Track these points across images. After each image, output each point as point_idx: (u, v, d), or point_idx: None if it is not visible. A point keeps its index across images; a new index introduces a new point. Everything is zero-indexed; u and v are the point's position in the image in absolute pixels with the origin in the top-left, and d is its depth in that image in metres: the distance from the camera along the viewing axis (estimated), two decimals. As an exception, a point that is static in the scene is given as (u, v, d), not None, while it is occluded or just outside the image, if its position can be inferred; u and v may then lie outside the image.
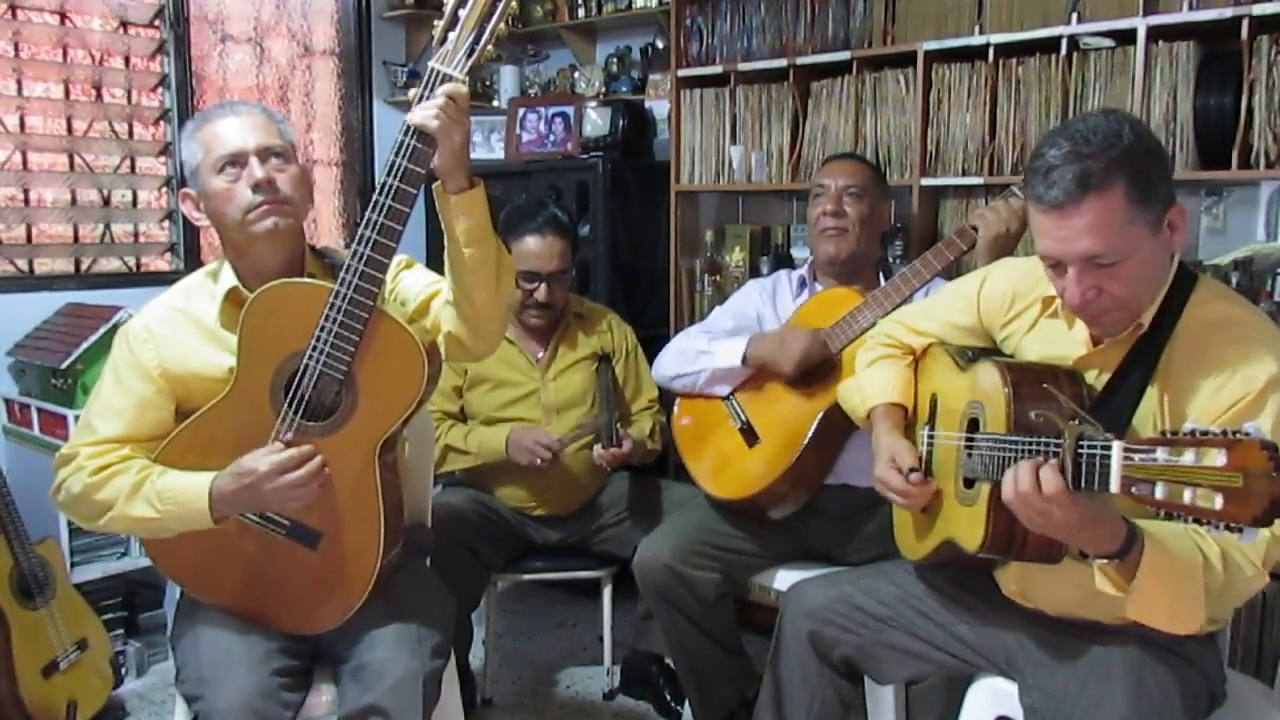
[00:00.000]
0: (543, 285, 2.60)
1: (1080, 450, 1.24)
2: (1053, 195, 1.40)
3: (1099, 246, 1.40)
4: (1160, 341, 1.47)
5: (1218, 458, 1.05)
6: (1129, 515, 1.34)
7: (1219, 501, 1.05)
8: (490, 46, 1.54)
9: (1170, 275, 1.50)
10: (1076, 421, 1.25)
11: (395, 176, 1.54)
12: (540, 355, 2.69)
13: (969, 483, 1.60)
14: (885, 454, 1.75)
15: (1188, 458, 1.08)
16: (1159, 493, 1.11)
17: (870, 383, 1.90)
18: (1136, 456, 1.14)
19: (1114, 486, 1.17)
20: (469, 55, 1.53)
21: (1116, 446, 1.17)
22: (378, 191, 1.55)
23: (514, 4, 1.52)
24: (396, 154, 1.54)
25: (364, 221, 1.56)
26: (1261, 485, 1.03)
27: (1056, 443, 1.28)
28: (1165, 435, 1.12)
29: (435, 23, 1.54)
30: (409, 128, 1.54)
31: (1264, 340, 1.43)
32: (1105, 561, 1.33)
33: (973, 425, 1.61)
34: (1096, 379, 1.53)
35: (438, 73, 1.54)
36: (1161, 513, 1.12)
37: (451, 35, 1.53)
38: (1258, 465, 1.03)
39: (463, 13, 1.52)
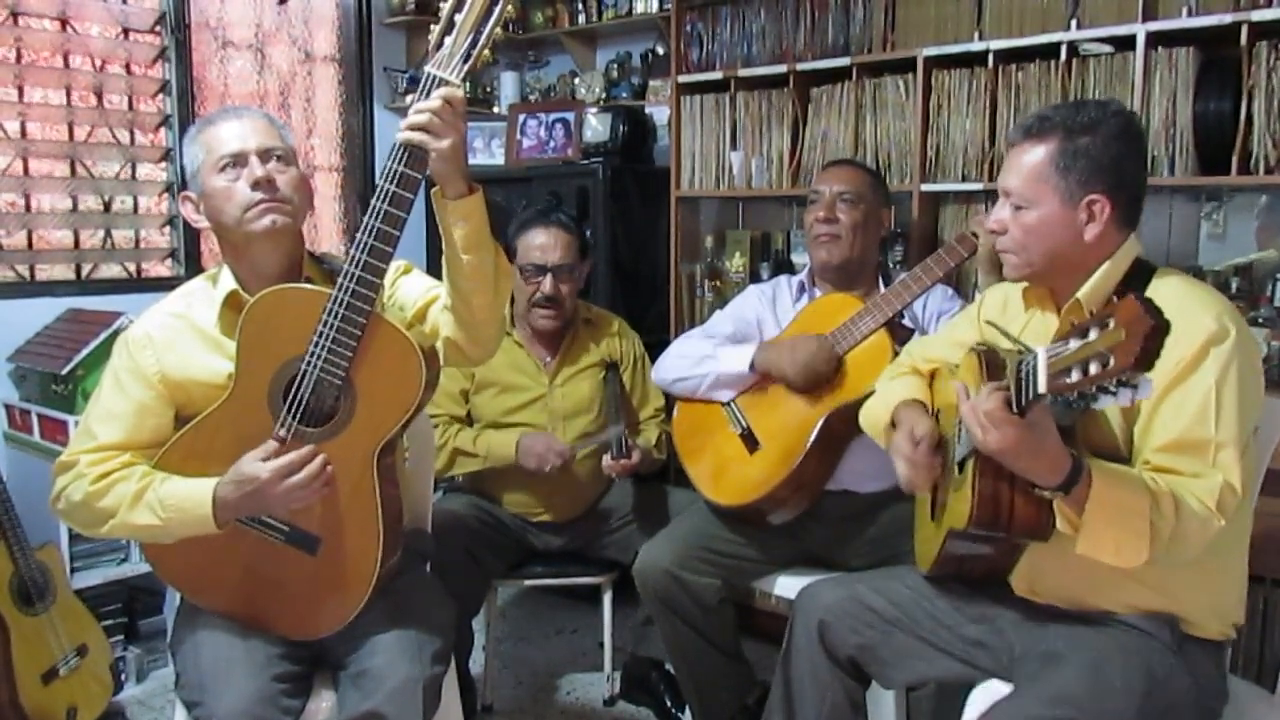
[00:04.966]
0: (548, 278, 2.59)
1: (1020, 372, 1.34)
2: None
3: (1012, 183, 1.62)
4: None
5: (1110, 324, 1.15)
6: (1096, 456, 1.45)
7: (1112, 361, 1.13)
8: (487, 51, 1.53)
9: (1117, 267, 1.59)
10: (1018, 350, 1.39)
11: (391, 181, 1.54)
12: (549, 360, 2.69)
13: (961, 467, 1.61)
14: (905, 424, 1.77)
15: (1093, 335, 1.18)
16: (1074, 375, 1.20)
17: (892, 390, 1.92)
18: (1056, 351, 1.24)
19: (1042, 385, 1.26)
20: (465, 60, 1.53)
21: (1040, 350, 1.28)
22: (374, 196, 1.55)
23: (510, 8, 1.51)
24: (392, 159, 1.54)
25: (361, 226, 1.56)
26: (1137, 328, 1.12)
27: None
28: (1073, 325, 1.22)
29: (432, 27, 1.54)
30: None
31: (1203, 302, 1.52)
32: (1062, 498, 1.42)
33: None
34: None
35: (433, 77, 1.53)
36: (1076, 395, 1.21)
37: (448, 40, 1.53)
38: (1133, 313, 1.13)
39: (459, 17, 1.51)
